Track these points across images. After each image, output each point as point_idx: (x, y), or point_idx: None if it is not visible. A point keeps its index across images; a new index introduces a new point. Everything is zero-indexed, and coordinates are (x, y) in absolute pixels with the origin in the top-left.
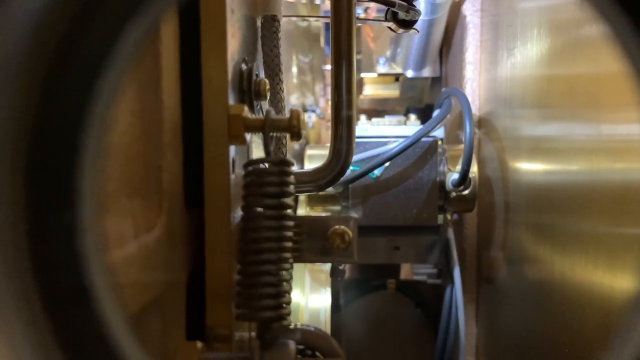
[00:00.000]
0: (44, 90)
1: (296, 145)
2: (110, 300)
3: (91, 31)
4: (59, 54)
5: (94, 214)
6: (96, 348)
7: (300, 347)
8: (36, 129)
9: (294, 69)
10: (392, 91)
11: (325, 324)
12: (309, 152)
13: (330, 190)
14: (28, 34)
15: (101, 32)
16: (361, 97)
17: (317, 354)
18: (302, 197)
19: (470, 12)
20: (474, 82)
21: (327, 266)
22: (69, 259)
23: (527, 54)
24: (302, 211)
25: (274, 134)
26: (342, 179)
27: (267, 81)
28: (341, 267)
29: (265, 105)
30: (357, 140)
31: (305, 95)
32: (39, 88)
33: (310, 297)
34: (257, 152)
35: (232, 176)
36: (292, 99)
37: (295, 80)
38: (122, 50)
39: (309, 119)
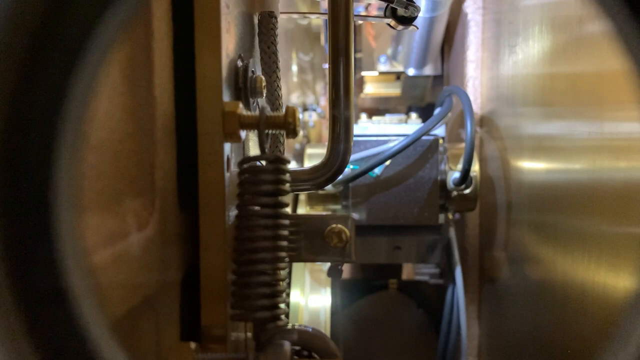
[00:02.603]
0: (17, 84)
1: (297, 145)
2: (90, 302)
3: (66, 22)
4: (32, 45)
5: (72, 214)
6: (74, 351)
7: (297, 347)
8: (9, 127)
9: (295, 68)
10: (393, 89)
11: (325, 324)
12: (309, 150)
13: (330, 189)
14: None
15: (77, 22)
16: (362, 95)
17: (314, 354)
18: (302, 196)
19: (472, 9)
20: (476, 80)
21: (328, 265)
22: (46, 260)
23: (529, 52)
24: (302, 210)
25: (271, 132)
26: (342, 177)
27: (263, 78)
28: (339, 267)
29: (263, 102)
30: (357, 138)
31: (306, 94)
32: (12, 82)
33: (310, 297)
34: (254, 150)
35: (227, 174)
36: (293, 98)
37: (295, 79)
38: (99, 41)
39: (310, 117)
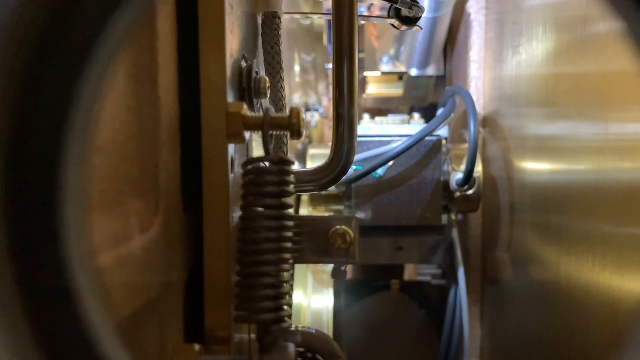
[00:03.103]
0: (23, 86)
1: (299, 145)
2: (95, 303)
3: (74, 23)
4: (40, 47)
5: (79, 215)
6: (79, 352)
7: (301, 349)
8: (16, 129)
9: (297, 68)
10: (395, 90)
11: (327, 325)
12: (311, 151)
13: (333, 190)
14: (6, 28)
15: (85, 24)
16: (364, 96)
17: (318, 356)
18: (304, 197)
19: (475, 10)
20: (479, 81)
21: (331, 267)
22: (52, 261)
23: (533, 52)
24: (305, 211)
25: (274, 133)
26: (344, 178)
27: (267, 79)
28: (343, 268)
29: (267, 103)
30: (360, 139)
31: (309, 94)
32: (19, 84)
33: (313, 298)
34: (258, 151)
35: (231, 175)
36: (295, 98)
37: (298, 80)
38: (106, 43)
39: (312, 118)
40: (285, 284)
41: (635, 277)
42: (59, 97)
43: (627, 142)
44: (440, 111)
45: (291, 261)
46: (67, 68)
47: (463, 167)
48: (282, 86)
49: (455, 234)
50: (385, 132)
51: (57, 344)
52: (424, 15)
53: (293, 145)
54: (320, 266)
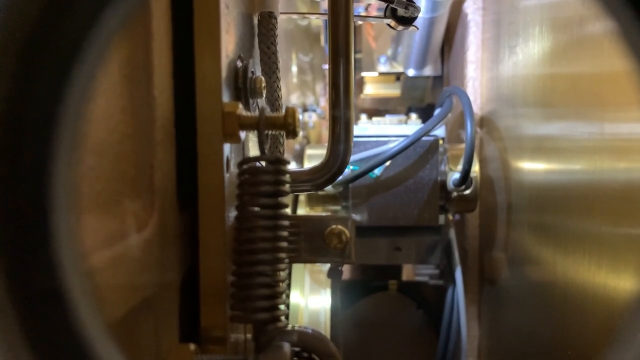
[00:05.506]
0: (13, 85)
1: (297, 145)
2: (87, 304)
3: (63, 21)
4: (29, 45)
5: (70, 216)
6: (72, 353)
7: (297, 349)
8: (5, 128)
9: (294, 69)
10: (393, 90)
11: (325, 325)
12: (308, 151)
13: (330, 190)
14: None
15: (74, 22)
16: (362, 96)
17: (314, 356)
18: (302, 197)
19: (472, 10)
20: (476, 81)
21: (328, 267)
22: (44, 261)
23: (529, 52)
24: (302, 211)
25: (270, 132)
26: (341, 178)
27: (262, 79)
28: (339, 268)
29: (262, 103)
30: (357, 139)
31: (306, 94)
32: (8, 82)
33: (310, 298)
34: (254, 151)
35: (227, 175)
36: (293, 99)
37: (295, 80)
38: (97, 41)
39: (310, 118)
40: (280, 284)
41: (630, 276)
42: (49, 96)
43: (623, 142)
44: (437, 111)
45: (287, 260)
46: (57, 66)
47: (460, 167)
48: (278, 86)
49: (452, 234)
50: (383, 132)
51: (49, 345)
52: (421, 15)
53: (291, 146)
54: (317, 266)
